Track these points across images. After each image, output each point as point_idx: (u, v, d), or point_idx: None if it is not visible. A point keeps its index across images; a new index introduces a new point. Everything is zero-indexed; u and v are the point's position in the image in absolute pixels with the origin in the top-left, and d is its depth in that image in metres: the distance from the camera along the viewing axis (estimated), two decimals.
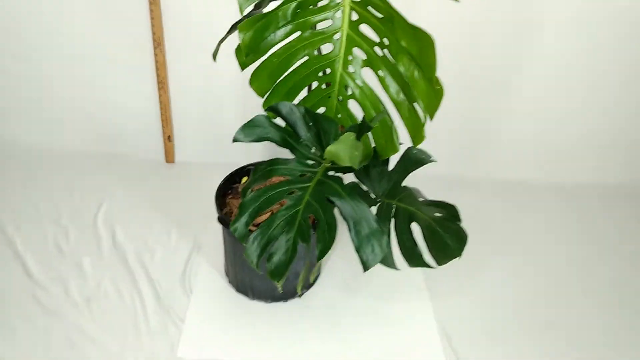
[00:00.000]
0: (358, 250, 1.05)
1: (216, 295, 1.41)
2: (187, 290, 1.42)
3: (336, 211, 1.09)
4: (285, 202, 1.11)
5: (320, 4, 1.07)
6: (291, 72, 1.15)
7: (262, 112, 1.15)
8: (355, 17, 1.08)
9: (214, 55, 1.18)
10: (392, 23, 1.00)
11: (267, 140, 1.14)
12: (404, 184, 1.23)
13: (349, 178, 1.17)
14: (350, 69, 1.13)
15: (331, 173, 1.15)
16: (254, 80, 1.13)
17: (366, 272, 1.05)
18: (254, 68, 1.13)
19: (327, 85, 1.18)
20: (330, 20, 1.08)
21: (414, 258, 1.15)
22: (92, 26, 1.71)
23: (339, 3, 1.06)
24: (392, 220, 1.18)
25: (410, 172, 1.23)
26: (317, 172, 1.14)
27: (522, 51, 1.73)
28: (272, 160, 1.16)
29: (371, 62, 1.10)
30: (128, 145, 1.94)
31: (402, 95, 1.07)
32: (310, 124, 1.14)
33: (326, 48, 1.13)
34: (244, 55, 1.06)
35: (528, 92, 1.81)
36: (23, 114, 1.92)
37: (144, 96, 1.84)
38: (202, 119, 1.89)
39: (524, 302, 1.46)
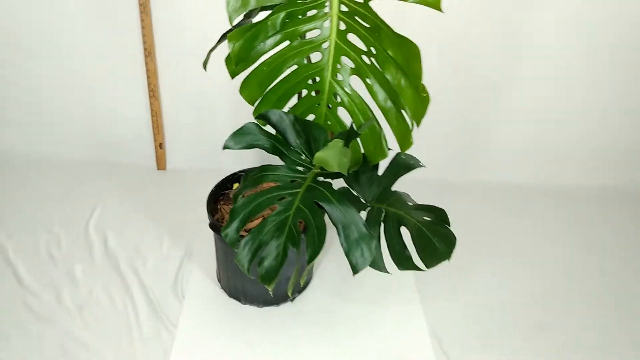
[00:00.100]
0: (347, 254, 1.06)
1: (209, 301, 1.42)
2: (180, 296, 1.42)
3: (326, 216, 1.11)
4: (275, 207, 1.12)
5: (308, 14, 1.09)
6: (281, 80, 1.16)
7: (253, 119, 1.16)
8: (343, 26, 1.10)
9: (205, 65, 1.19)
10: (379, 33, 1.03)
11: (258, 147, 1.15)
12: (393, 188, 1.25)
13: (340, 183, 1.18)
14: (339, 77, 1.15)
15: (321, 179, 1.17)
16: (244, 89, 1.15)
17: (357, 276, 1.06)
18: (244, 76, 1.14)
19: (317, 93, 1.19)
20: (318, 29, 1.10)
21: (403, 261, 1.17)
22: (83, 35, 1.72)
23: (327, 13, 1.08)
24: (382, 225, 1.20)
25: (399, 177, 1.25)
26: (307, 178, 1.16)
27: (522, 51, 1.73)
28: (262, 166, 1.17)
29: (359, 70, 1.12)
30: (120, 153, 1.95)
31: (389, 103, 1.09)
32: (300, 131, 1.16)
33: (315, 57, 1.14)
34: (234, 64, 1.08)
35: (525, 94, 1.82)
36: (15, 122, 1.92)
37: (135, 104, 1.85)
38: (193, 127, 1.90)
39: (515, 304, 1.47)
